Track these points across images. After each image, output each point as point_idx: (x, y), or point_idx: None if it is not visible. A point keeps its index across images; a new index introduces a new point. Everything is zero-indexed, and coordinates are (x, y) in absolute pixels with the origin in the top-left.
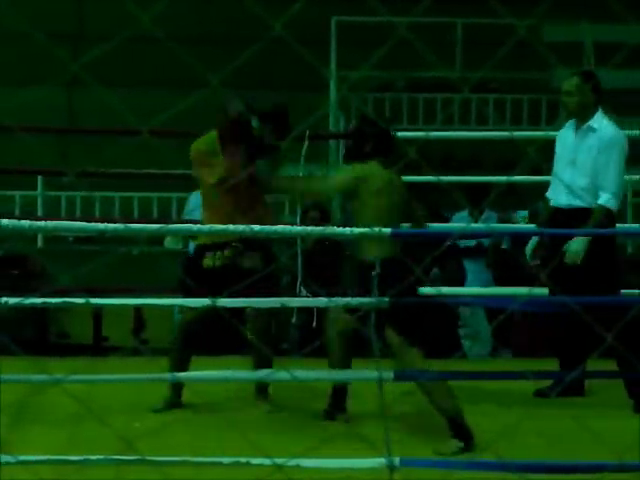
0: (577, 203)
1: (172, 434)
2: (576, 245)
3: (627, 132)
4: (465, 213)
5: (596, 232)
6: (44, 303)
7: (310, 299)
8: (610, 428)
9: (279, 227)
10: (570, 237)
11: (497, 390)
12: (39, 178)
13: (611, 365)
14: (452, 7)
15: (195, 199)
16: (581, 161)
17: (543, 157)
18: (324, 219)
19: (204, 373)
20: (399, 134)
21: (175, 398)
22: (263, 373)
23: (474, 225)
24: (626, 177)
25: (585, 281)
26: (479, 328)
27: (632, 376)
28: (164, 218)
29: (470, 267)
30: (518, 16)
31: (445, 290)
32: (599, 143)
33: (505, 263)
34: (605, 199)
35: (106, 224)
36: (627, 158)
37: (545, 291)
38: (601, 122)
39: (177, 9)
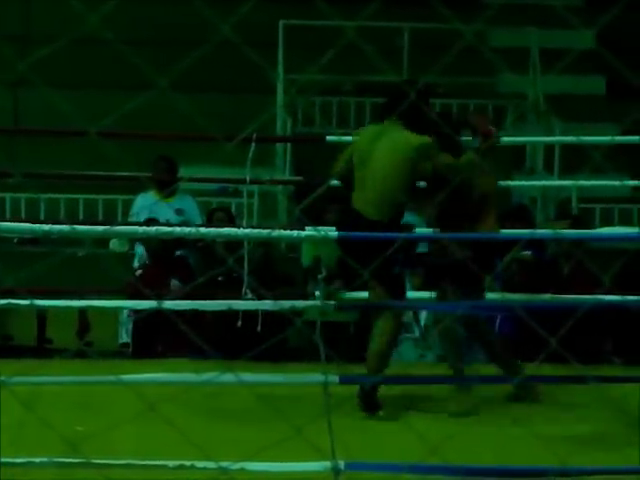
0: None
1: (117, 437)
2: None
3: (573, 138)
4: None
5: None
6: None
7: (256, 302)
8: (555, 433)
9: (224, 230)
10: None
11: (444, 394)
12: None
13: (557, 370)
14: (399, 12)
15: (141, 201)
16: None
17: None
18: (230, 220)
19: (148, 376)
20: (345, 138)
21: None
22: (206, 377)
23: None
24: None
25: None
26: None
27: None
28: (109, 220)
29: None
30: (464, 21)
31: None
32: None
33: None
34: None
35: (51, 225)
36: (572, 165)
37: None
38: None
39: (125, 11)
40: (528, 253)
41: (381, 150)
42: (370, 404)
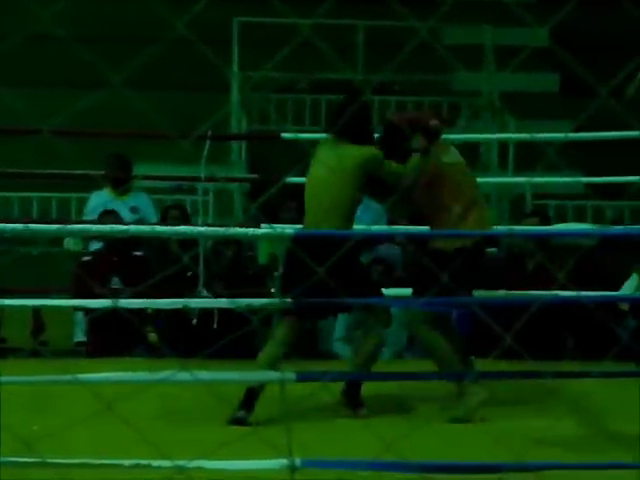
0: None
1: (73, 437)
2: None
3: (527, 135)
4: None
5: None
6: None
7: (212, 300)
8: (511, 429)
9: (179, 228)
10: None
11: (401, 391)
12: None
13: (514, 366)
14: (354, 9)
15: (96, 199)
16: None
17: None
18: (184, 217)
19: (104, 375)
20: (300, 135)
21: None
22: (162, 375)
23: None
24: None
25: None
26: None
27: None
28: (63, 218)
29: None
30: (419, 18)
31: None
32: None
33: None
34: None
35: (5, 224)
36: (526, 162)
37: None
38: None
39: (78, 8)
40: (493, 250)
41: (330, 164)
42: (354, 402)
